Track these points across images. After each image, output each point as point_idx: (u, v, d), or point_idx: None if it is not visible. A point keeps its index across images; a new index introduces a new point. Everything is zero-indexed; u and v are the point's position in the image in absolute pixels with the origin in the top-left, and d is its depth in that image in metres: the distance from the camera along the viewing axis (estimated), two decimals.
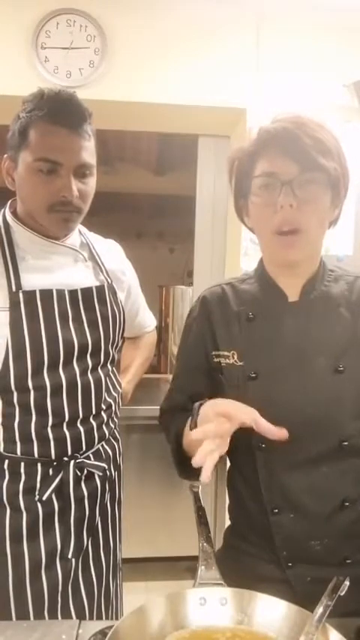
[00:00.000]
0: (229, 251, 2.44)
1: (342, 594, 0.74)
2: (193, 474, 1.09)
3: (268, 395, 0.95)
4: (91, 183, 1.12)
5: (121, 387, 1.33)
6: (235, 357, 1.01)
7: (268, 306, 1.02)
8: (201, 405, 0.95)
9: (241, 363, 1.00)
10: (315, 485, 0.95)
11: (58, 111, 1.05)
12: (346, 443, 0.93)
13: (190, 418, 0.96)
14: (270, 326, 1.00)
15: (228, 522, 1.13)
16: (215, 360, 1.05)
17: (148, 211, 5.08)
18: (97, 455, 1.22)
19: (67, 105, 1.06)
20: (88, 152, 1.09)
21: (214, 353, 1.05)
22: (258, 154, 0.94)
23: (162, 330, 3.17)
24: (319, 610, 0.71)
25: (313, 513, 0.95)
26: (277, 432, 0.87)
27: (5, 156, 1.13)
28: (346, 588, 0.75)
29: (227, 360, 1.02)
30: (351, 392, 0.94)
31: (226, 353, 1.03)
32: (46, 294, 1.11)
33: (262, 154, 0.93)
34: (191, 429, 0.94)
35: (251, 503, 1.02)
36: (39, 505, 1.13)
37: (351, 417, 0.94)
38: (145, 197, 4.61)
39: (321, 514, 0.95)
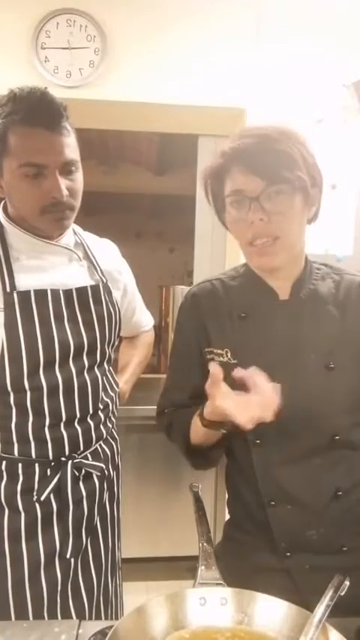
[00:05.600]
0: (229, 251, 2.43)
1: (342, 594, 0.74)
2: (206, 463, 1.09)
3: None
4: (79, 179, 1.11)
5: (118, 386, 1.32)
6: (229, 354, 1.02)
7: (260, 304, 1.03)
8: None
9: (234, 362, 1.01)
10: (309, 477, 0.98)
11: (34, 112, 1.03)
12: (337, 437, 0.96)
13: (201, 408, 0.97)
14: (262, 325, 1.02)
15: (227, 518, 1.14)
16: (208, 357, 1.06)
17: (148, 211, 5.08)
18: (95, 455, 1.21)
19: (42, 104, 1.04)
20: (71, 148, 1.07)
21: (207, 349, 1.06)
22: (225, 172, 0.96)
23: (162, 330, 3.16)
24: (319, 610, 0.71)
25: (308, 504, 0.98)
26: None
27: None
28: (346, 588, 0.75)
29: (221, 358, 1.03)
30: (341, 388, 0.97)
31: (219, 351, 1.04)
32: (41, 294, 1.11)
33: (227, 174, 0.95)
34: (202, 423, 0.95)
35: (249, 497, 1.04)
36: (37, 505, 1.13)
37: (342, 413, 0.97)
38: (145, 197, 4.61)
39: (316, 504, 0.98)
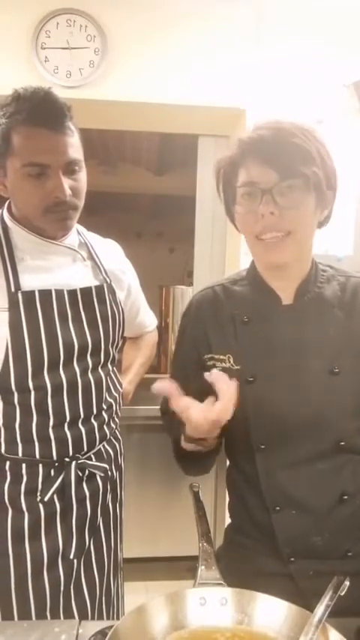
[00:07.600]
0: (229, 251, 2.44)
1: (342, 594, 0.74)
2: (197, 470, 1.10)
3: (266, 398, 0.96)
4: (82, 178, 1.11)
5: (121, 386, 1.33)
6: (231, 360, 1.02)
7: (263, 309, 1.02)
8: None
9: (237, 367, 1.01)
10: (314, 482, 0.97)
11: (37, 112, 1.03)
12: (342, 443, 0.95)
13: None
14: (265, 329, 1.01)
15: (228, 520, 1.14)
16: (209, 363, 1.05)
17: (148, 211, 5.07)
18: (99, 455, 1.22)
19: (45, 104, 1.04)
20: (74, 148, 1.08)
21: (207, 356, 1.06)
22: (239, 163, 0.95)
23: (162, 330, 3.16)
24: (319, 610, 0.71)
25: (313, 509, 0.97)
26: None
27: None
28: (346, 588, 0.75)
29: (223, 364, 1.02)
30: (346, 393, 0.96)
31: (221, 357, 1.03)
32: (45, 294, 1.11)
33: (242, 164, 0.94)
34: (185, 439, 0.96)
35: (252, 501, 1.03)
36: (41, 506, 1.13)
37: (347, 418, 0.96)
38: (145, 197, 4.60)
39: (321, 509, 0.97)
